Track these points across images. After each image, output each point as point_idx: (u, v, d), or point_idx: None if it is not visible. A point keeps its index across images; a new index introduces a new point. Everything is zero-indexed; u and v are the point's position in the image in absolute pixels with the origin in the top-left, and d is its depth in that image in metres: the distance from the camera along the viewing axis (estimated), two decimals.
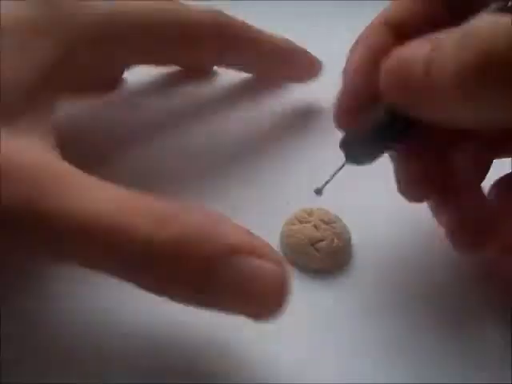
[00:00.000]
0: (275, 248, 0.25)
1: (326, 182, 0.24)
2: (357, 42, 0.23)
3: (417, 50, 0.18)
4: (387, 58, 0.19)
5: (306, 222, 0.25)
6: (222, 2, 0.28)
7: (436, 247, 0.25)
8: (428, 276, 0.24)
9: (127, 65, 0.28)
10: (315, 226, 0.25)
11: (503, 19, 0.16)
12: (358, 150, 0.22)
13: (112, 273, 0.18)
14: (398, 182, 0.23)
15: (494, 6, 0.18)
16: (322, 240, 0.24)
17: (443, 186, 0.22)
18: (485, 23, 0.16)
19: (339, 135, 0.23)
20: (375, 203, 0.27)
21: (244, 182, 0.28)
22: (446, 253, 0.24)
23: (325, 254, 0.24)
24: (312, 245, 0.24)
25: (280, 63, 0.31)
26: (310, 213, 0.25)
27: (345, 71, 0.23)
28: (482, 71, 0.16)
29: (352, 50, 0.23)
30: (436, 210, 0.24)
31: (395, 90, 0.19)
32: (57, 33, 0.23)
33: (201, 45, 0.28)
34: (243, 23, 0.29)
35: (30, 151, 0.20)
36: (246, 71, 0.33)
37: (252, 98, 0.32)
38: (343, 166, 0.23)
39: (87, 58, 0.24)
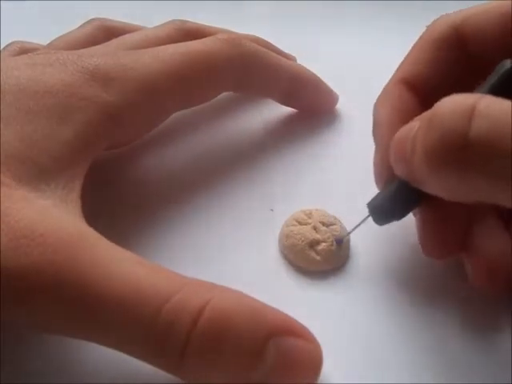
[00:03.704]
0: (275, 249, 0.25)
1: (348, 233, 0.25)
2: (378, 102, 0.24)
3: (409, 128, 0.20)
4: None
5: (305, 224, 0.25)
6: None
7: None
8: (428, 276, 0.24)
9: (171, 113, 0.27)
10: (314, 228, 0.25)
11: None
12: (381, 210, 0.23)
13: (150, 363, 0.18)
14: (423, 245, 0.23)
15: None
16: (321, 241, 0.24)
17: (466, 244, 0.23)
18: (448, 104, 0.18)
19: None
20: None
21: (245, 181, 0.28)
22: None
23: (324, 255, 0.24)
24: (311, 246, 0.24)
25: (296, 92, 0.30)
26: (309, 214, 0.25)
27: (374, 132, 0.24)
28: (444, 151, 0.17)
29: (375, 111, 0.24)
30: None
31: (395, 164, 0.21)
32: (110, 87, 0.23)
33: (227, 78, 0.27)
34: (263, 51, 0.28)
35: (61, 217, 0.19)
36: (258, 97, 0.32)
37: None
38: (367, 218, 0.24)
39: (143, 112, 0.24)
